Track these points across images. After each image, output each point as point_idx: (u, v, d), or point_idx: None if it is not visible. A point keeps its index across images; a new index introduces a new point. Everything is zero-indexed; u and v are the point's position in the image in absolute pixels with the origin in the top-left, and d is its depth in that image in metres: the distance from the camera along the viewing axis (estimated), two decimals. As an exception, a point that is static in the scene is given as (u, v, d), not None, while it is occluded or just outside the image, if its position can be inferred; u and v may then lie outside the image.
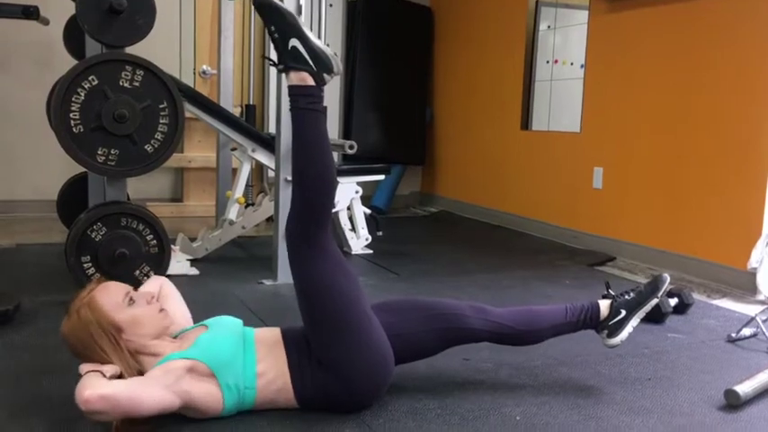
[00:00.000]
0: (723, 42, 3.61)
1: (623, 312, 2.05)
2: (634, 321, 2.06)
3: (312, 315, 1.83)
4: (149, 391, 1.61)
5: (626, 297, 2.08)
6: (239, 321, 1.91)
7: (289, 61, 1.83)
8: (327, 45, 1.92)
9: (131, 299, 1.80)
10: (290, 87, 1.85)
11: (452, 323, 1.96)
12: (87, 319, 1.72)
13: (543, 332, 2.04)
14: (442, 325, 1.95)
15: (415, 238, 4.79)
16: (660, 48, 3.98)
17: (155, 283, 2.04)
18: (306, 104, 1.84)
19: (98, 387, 1.55)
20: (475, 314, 1.99)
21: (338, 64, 1.86)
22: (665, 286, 2.08)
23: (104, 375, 1.63)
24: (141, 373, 1.71)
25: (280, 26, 1.83)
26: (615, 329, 2.05)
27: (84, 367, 1.67)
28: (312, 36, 1.85)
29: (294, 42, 1.82)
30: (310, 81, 1.84)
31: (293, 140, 1.87)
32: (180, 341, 1.84)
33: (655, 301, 2.07)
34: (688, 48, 3.80)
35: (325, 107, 1.89)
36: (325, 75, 1.84)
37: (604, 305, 2.08)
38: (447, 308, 1.99)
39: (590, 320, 2.06)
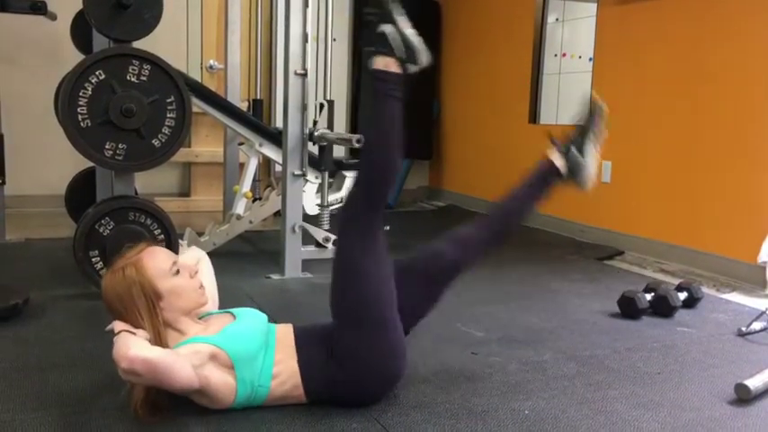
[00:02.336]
0: (733, 34, 3.58)
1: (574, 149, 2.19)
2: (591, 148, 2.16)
3: (337, 298, 1.85)
4: (183, 366, 1.62)
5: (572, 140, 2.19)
6: (265, 317, 1.91)
7: (378, 46, 1.87)
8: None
9: (177, 270, 1.80)
10: (374, 71, 1.88)
11: (439, 271, 2.02)
12: (132, 279, 1.73)
13: (515, 217, 2.19)
14: (433, 280, 2.01)
15: (423, 233, 4.77)
16: (669, 40, 3.95)
17: (193, 256, 2.04)
18: (386, 90, 1.89)
19: (142, 349, 1.57)
20: (452, 249, 2.05)
21: (427, 56, 1.88)
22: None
23: None
24: (164, 346, 1.70)
25: (377, 10, 1.88)
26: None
27: (118, 325, 1.68)
28: (406, 25, 1.87)
29: (386, 28, 1.86)
30: (394, 68, 1.87)
31: (369, 122, 1.92)
32: (204, 324, 1.84)
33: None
34: (697, 40, 3.78)
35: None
36: (409, 64, 1.88)
37: (558, 160, 2.20)
38: (429, 263, 2.06)
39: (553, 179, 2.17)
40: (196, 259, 2.03)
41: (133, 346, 1.57)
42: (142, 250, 1.81)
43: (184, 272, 1.82)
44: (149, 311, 1.72)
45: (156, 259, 1.79)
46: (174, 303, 1.77)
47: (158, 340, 1.71)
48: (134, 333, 1.66)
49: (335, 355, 1.79)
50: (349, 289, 1.82)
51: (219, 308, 2.04)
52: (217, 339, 1.72)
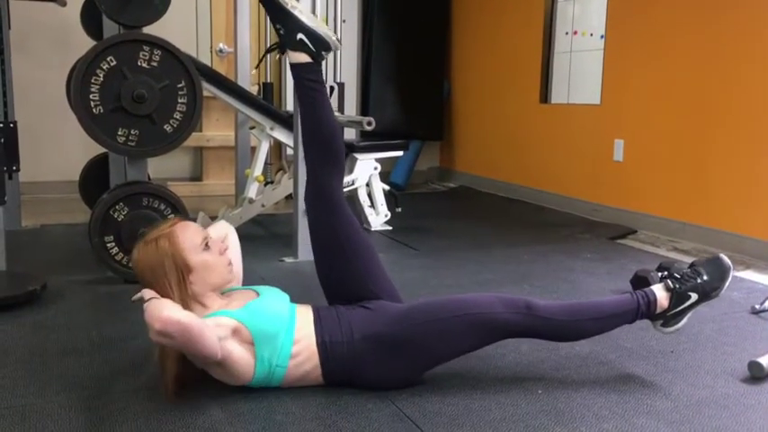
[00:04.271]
0: (747, 10, 3.54)
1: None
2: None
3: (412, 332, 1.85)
4: (210, 335, 1.64)
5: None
6: (287, 296, 1.93)
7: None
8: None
9: (207, 245, 1.83)
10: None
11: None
12: (164, 251, 1.77)
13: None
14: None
15: (435, 214, 4.78)
16: (682, 16, 3.91)
17: (222, 230, 2.06)
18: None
19: (176, 312, 1.58)
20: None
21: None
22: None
23: None
24: None
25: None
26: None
27: (147, 292, 1.71)
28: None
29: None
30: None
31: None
32: (227, 299, 1.86)
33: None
34: (710, 16, 3.73)
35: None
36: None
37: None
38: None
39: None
40: (224, 233, 2.05)
41: (167, 308, 1.58)
42: (175, 224, 1.84)
43: (214, 247, 1.85)
44: (179, 284, 1.76)
45: (188, 233, 1.81)
46: (203, 278, 1.80)
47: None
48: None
49: (360, 343, 1.81)
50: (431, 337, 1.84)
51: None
52: (240, 314, 1.74)
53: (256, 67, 5.03)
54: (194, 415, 1.70)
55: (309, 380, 1.83)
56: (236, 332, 1.72)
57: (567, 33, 4.98)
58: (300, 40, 2.00)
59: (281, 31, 2.02)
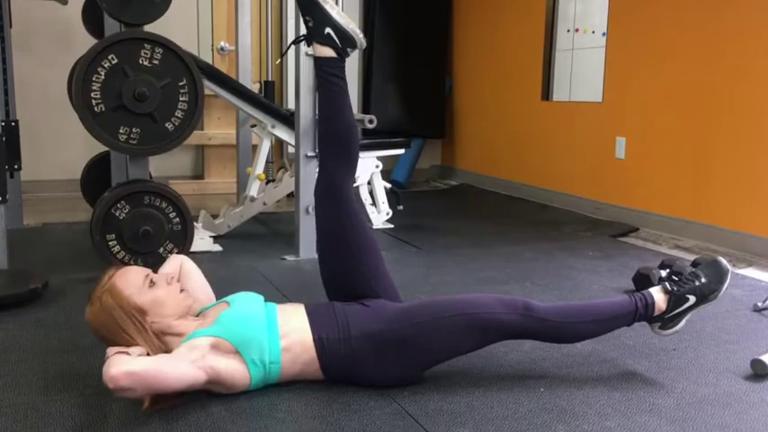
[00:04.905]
0: (749, 8, 3.53)
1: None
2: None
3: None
4: (174, 367, 1.64)
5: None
6: (260, 297, 1.93)
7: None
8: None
9: (152, 281, 1.81)
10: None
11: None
12: (110, 305, 1.75)
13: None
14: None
15: (436, 212, 4.78)
16: (684, 14, 3.90)
17: (174, 263, 2.05)
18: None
19: (124, 364, 1.57)
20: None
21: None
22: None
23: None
24: (168, 353, 1.73)
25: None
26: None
27: (111, 350, 1.69)
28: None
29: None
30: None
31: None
32: (202, 319, 1.86)
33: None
34: (712, 14, 3.72)
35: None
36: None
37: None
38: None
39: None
40: (178, 265, 2.02)
41: (114, 364, 1.57)
42: (112, 275, 1.81)
43: (160, 281, 1.83)
44: (138, 329, 1.73)
45: (127, 278, 1.79)
46: (160, 313, 1.78)
47: (157, 351, 1.72)
48: (128, 352, 1.66)
49: (357, 340, 1.81)
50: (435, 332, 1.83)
51: (230, 294, 2.04)
52: (214, 330, 1.74)
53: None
54: (197, 413, 1.70)
55: (309, 373, 1.83)
56: (215, 347, 1.71)
57: (568, 31, 4.97)
58: (328, 34, 2.02)
59: (310, 24, 2.04)
